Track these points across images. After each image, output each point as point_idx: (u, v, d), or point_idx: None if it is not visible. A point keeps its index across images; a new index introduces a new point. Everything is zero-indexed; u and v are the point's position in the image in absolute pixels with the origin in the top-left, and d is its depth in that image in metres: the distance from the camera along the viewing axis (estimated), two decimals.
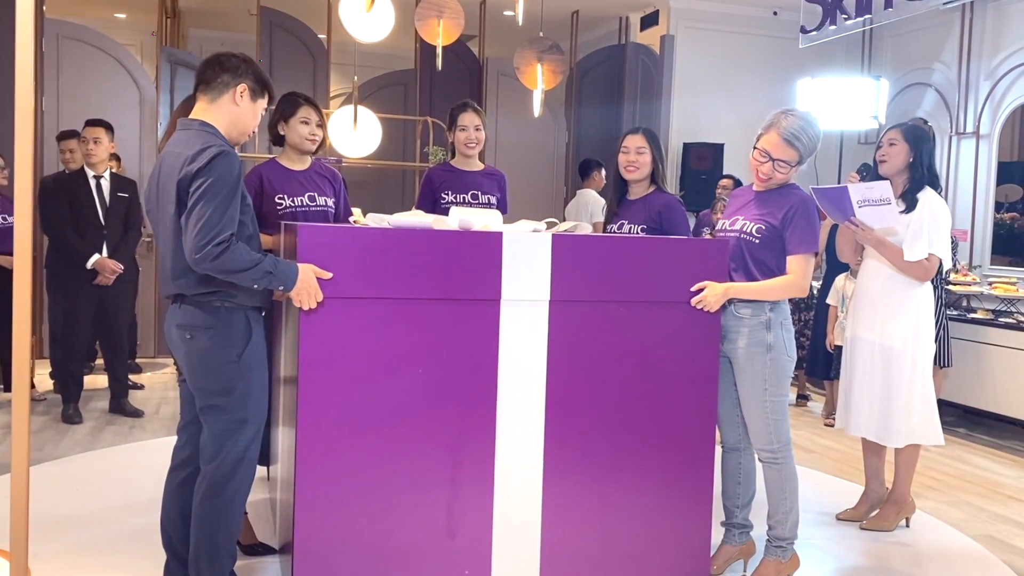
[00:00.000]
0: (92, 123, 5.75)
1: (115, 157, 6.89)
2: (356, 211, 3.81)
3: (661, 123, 8.51)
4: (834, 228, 4.13)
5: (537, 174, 9.16)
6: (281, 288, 2.69)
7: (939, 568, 3.74)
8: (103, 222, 5.70)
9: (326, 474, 2.81)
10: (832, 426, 6.00)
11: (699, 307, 3.11)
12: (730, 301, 3.22)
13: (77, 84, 7.73)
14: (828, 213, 3.79)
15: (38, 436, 5.23)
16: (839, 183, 8.74)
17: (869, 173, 4.06)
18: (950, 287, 6.37)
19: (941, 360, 5.39)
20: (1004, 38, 7.54)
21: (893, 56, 8.74)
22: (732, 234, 3.34)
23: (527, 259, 2.93)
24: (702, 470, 3.20)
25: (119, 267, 5.67)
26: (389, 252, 2.80)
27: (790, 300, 3.42)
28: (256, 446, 2.90)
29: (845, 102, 8.08)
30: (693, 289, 3.10)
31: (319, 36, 8.46)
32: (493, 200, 4.37)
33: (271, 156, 3.93)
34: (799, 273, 3.23)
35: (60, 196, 5.62)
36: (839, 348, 5.62)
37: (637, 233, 3.62)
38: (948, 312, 5.96)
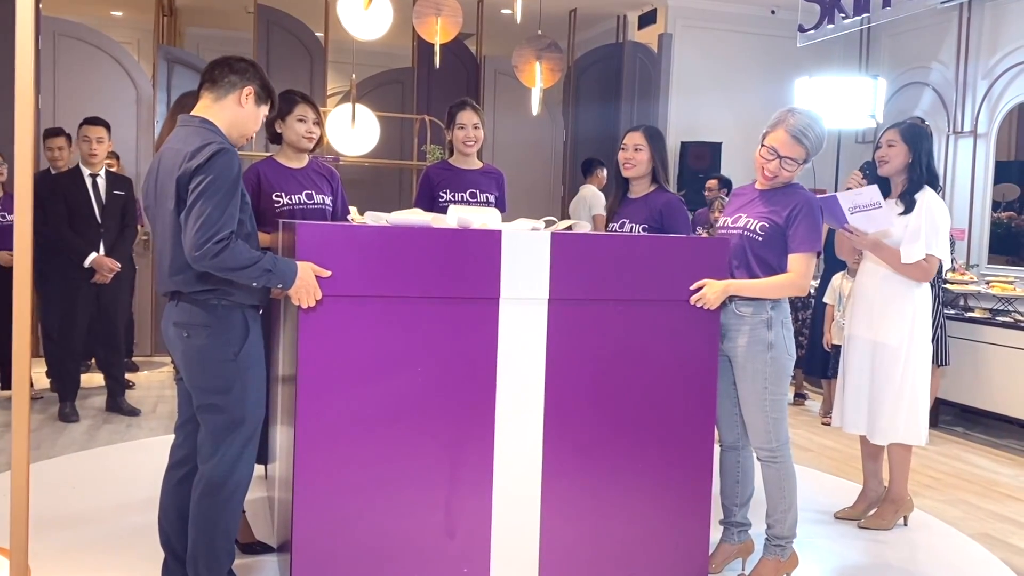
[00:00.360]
0: (93, 122, 5.72)
1: (114, 155, 6.89)
2: (352, 209, 3.80)
3: (659, 122, 8.51)
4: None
5: (534, 172, 9.16)
6: (280, 286, 2.69)
7: (937, 566, 3.74)
8: (100, 220, 5.69)
9: (325, 473, 2.80)
10: (830, 424, 6.00)
11: (698, 305, 3.11)
12: (731, 299, 3.21)
13: (74, 82, 7.72)
14: (827, 222, 3.82)
15: (35, 435, 5.22)
16: (837, 182, 8.78)
17: (871, 171, 4.05)
18: (947, 286, 6.38)
19: (939, 359, 5.40)
20: (1002, 37, 7.55)
21: (891, 55, 8.74)
22: (735, 231, 3.33)
23: (526, 257, 2.92)
24: (701, 469, 3.20)
25: (116, 265, 5.66)
26: (388, 250, 2.80)
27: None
28: (254, 445, 2.89)
29: (843, 101, 8.08)
30: (692, 288, 3.10)
31: (316, 34, 8.45)
32: (491, 198, 4.36)
33: (268, 154, 3.93)
34: (800, 272, 3.23)
35: (56, 195, 5.60)
36: (836, 347, 5.63)
37: (638, 232, 3.62)
38: (945, 311, 5.96)
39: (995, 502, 4.67)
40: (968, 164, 7.77)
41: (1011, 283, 6.57)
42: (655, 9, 9.04)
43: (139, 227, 6.42)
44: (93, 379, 6.62)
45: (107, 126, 5.76)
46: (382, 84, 8.92)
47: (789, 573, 3.41)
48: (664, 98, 8.71)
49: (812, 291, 6.37)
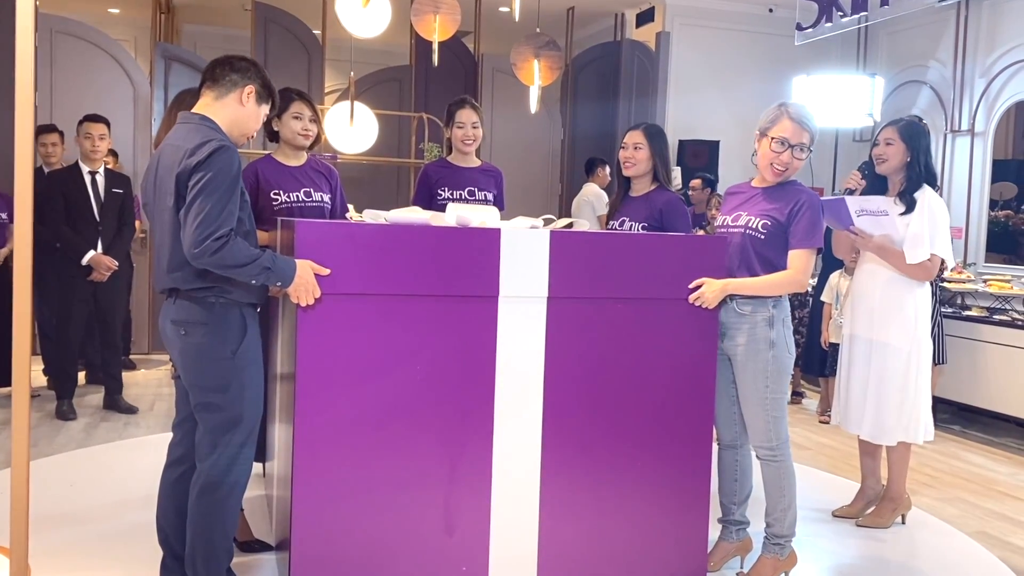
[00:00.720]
0: (94, 119, 5.71)
1: (112, 153, 6.88)
2: (350, 207, 3.80)
3: (656, 120, 8.50)
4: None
5: (532, 171, 9.16)
6: (279, 284, 2.69)
7: (934, 564, 3.75)
8: (98, 218, 5.68)
9: (323, 471, 2.80)
10: (827, 423, 6.01)
11: (697, 304, 3.11)
12: (731, 297, 3.21)
13: (71, 79, 7.70)
14: (828, 222, 3.82)
15: (32, 433, 5.20)
16: (835, 181, 8.78)
17: (870, 171, 4.05)
18: (945, 285, 6.38)
19: (936, 358, 5.40)
20: (999, 36, 7.56)
21: (888, 53, 8.74)
22: (735, 230, 3.33)
23: (525, 256, 2.92)
24: (699, 467, 3.20)
25: (114, 263, 5.65)
26: (387, 248, 2.79)
27: None
28: (252, 443, 2.89)
29: (840, 99, 8.08)
30: (691, 286, 3.11)
31: (314, 32, 8.44)
32: (490, 197, 4.36)
33: (267, 152, 3.92)
34: (799, 268, 3.23)
35: (54, 192, 5.59)
36: (834, 345, 5.63)
37: (638, 230, 3.62)
38: (943, 310, 5.97)
39: (992, 500, 4.67)
40: (966, 163, 7.77)
41: (1008, 282, 6.58)
42: (653, 7, 9.04)
43: (137, 224, 6.42)
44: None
45: (108, 123, 5.76)
46: (380, 82, 8.91)
47: (787, 571, 3.41)
48: (662, 96, 8.71)
49: (810, 289, 6.37)
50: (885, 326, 3.89)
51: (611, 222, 3.81)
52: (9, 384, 2.69)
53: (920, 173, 3.88)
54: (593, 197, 7.76)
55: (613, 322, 3.05)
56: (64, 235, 5.56)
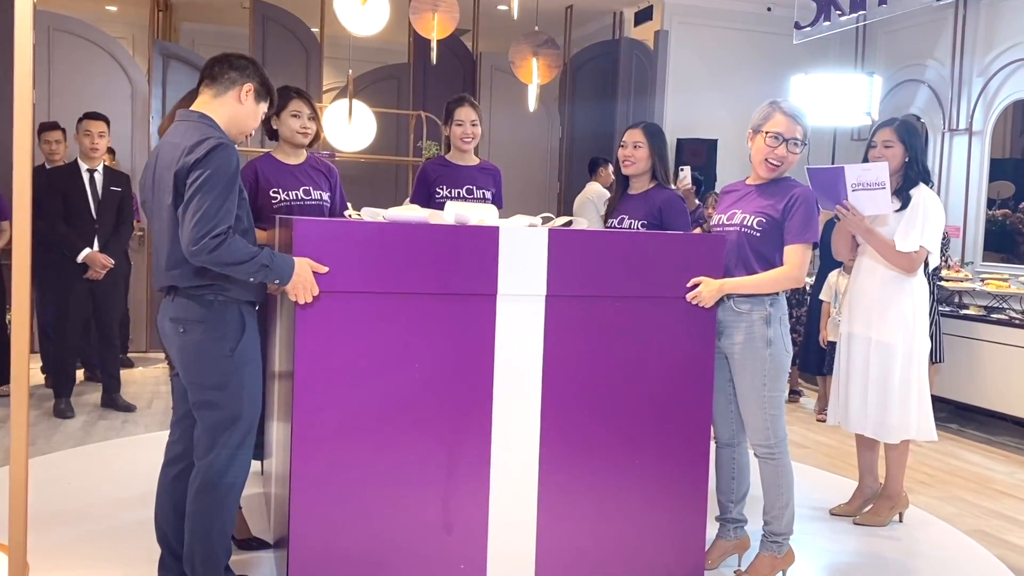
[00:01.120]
0: (94, 116, 5.70)
1: (110, 151, 6.87)
2: (347, 204, 3.79)
3: (655, 119, 8.51)
4: (829, 225, 4.12)
5: (531, 169, 9.16)
6: (277, 282, 2.69)
7: (932, 563, 3.76)
8: (95, 216, 5.67)
9: (321, 469, 2.80)
10: (824, 421, 6.01)
11: (694, 303, 3.11)
12: (728, 296, 3.22)
13: (68, 77, 7.70)
14: (818, 197, 3.72)
15: (30, 431, 5.20)
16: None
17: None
18: (942, 283, 6.39)
19: (933, 356, 5.41)
20: (997, 35, 7.57)
21: (887, 52, 8.75)
22: (731, 228, 3.33)
23: (523, 254, 2.92)
24: (697, 465, 3.20)
25: (109, 262, 5.64)
26: (385, 246, 2.80)
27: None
28: (250, 441, 2.88)
29: (839, 98, 8.10)
30: (688, 285, 3.11)
31: (312, 30, 8.44)
32: (488, 195, 4.36)
33: (265, 150, 3.92)
34: (795, 264, 3.23)
35: (52, 189, 5.59)
36: (832, 344, 5.64)
37: (637, 228, 3.62)
38: (940, 308, 5.98)
39: (990, 499, 4.68)
40: (963, 161, 7.78)
41: (1006, 280, 6.58)
42: (651, 6, 9.04)
43: (136, 223, 6.42)
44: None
45: (107, 121, 5.75)
46: (378, 80, 8.91)
47: (785, 570, 3.42)
48: (660, 95, 8.71)
49: (808, 288, 6.38)
50: (884, 324, 3.89)
51: (610, 220, 3.81)
52: (7, 382, 2.69)
53: (918, 172, 3.89)
54: (595, 196, 7.76)
55: (611, 320, 3.05)
56: (61, 232, 5.55)
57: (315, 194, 3.76)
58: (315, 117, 3.78)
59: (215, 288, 2.75)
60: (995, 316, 6.17)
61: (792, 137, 3.27)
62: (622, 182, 3.82)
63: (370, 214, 3.09)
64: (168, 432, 3.07)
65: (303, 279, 2.69)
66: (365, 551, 2.86)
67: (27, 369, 2.56)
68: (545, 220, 3.25)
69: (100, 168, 5.73)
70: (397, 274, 2.81)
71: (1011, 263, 7.39)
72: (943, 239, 6.10)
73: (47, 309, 5.82)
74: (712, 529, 3.46)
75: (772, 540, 3.38)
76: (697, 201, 7.21)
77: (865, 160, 4.00)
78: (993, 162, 7.66)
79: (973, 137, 7.71)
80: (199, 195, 2.59)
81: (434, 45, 6.40)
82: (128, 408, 5.82)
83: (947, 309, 6.35)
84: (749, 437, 3.36)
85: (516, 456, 2.99)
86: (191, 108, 2.82)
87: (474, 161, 4.47)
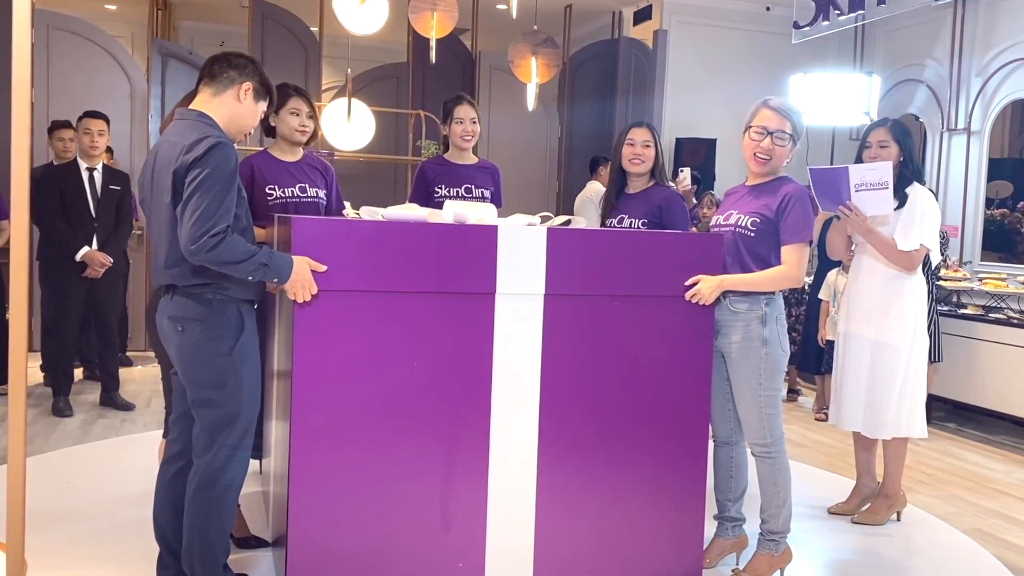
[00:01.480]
0: (93, 115, 5.70)
1: (108, 150, 6.87)
2: (346, 204, 3.80)
3: (653, 118, 8.50)
4: (826, 225, 4.13)
5: (530, 168, 9.16)
6: (275, 280, 2.69)
7: (929, 561, 3.76)
8: (94, 215, 5.67)
9: (320, 467, 2.80)
10: (824, 420, 6.03)
11: (693, 300, 3.12)
12: (725, 295, 3.22)
13: (67, 76, 7.69)
14: (820, 198, 3.70)
15: (28, 429, 5.20)
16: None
17: None
18: (941, 283, 6.40)
19: (932, 355, 5.41)
20: (996, 35, 7.57)
21: (885, 52, 8.76)
22: (727, 229, 3.34)
23: (522, 253, 2.93)
24: (695, 464, 3.21)
25: (108, 260, 5.64)
26: (384, 245, 2.80)
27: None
28: (249, 439, 2.89)
29: (837, 98, 8.09)
30: (687, 283, 3.11)
31: (311, 29, 8.44)
32: (487, 194, 4.36)
33: (263, 148, 3.92)
34: (793, 263, 3.23)
35: (51, 187, 5.59)
36: (830, 343, 5.64)
37: (637, 227, 3.63)
38: (939, 308, 5.99)
39: (987, 498, 4.69)
40: (962, 161, 7.79)
41: (1004, 280, 6.59)
42: (651, 5, 9.04)
43: (135, 222, 6.42)
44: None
45: (107, 120, 5.76)
46: (377, 79, 8.91)
47: (783, 568, 3.42)
48: (659, 94, 8.71)
49: (806, 287, 6.38)
50: (884, 323, 3.90)
51: (609, 219, 3.81)
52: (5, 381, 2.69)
53: (912, 171, 3.91)
54: (595, 195, 7.76)
55: (610, 319, 3.05)
56: (59, 230, 5.55)
57: (311, 191, 3.77)
58: (313, 115, 3.79)
59: (214, 287, 2.75)
60: (993, 316, 6.18)
61: (778, 130, 3.28)
62: (619, 181, 3.82)
63: (369, 213, 3.10)
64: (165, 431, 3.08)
65: (302, 278, 2.69)
66: (363, 550, 2.87)
67: (25, 367, 2.56)
68: (544, 219, 3.25)
69: (99, 167, 5.74)
70: (396, 273, 2.81)
71: (1009, 263, 7.40)
72: (942, 238, 6.11)
73: (45, 307, 5.82)
74: (710, 528, 3.47)
75: (769, 539, 3.38)
76: (694, 200, 7.24)
77: (859, 160, 4.00)
78: (991, 162, 7.66)
79: (972, 137, 7.72)
80: (198, 194, 2.59)
81: (433, 44, 6.40)
82: (127, 407, 5.82)
83: (945, 308, 6.36)
84: (746, 436, 3.37)
85: (514, 454, 3.00)
86: (190, 107, 2.82)
87: (473, 160, 4.47)
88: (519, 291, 2.94)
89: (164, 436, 3.19)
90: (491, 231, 2.91)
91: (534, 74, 7.27)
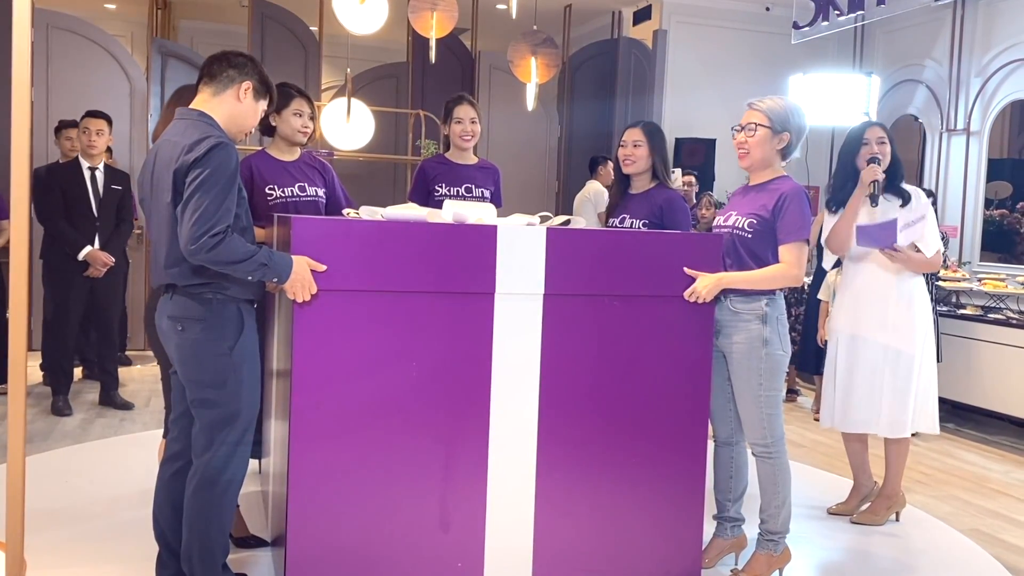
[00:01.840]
0: (94, 115, 5.70)
1: (107, 149, 6.87)
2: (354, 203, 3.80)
3: (653, 118, 8.50)
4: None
5: (529, 168, 9.16)
6: (275, 280, 2.69)
7: (928, 561, 3.77)
8: (96, 214, 5.67)
9: (319, 467, 2.81)
10: None
11: (692, 299, 3.12)
12: (725, 295, 3.22)
13: (67, 75, 7.68)
14: (867, 244, 3.88)
15: (28, 428, 5.21)
16: (831, 175, 8.78)
17: (855, 170, 4.04)
18: (940, 283, 6.40)
19: None
20: (995, 35, 7.57)
21: (885, 52, 8.76)
22: (725, 230, 3.35)
23: (521, 253, 2.93)
24: (694, 463, 3.21)
25: (110, 260, 5.65)
26: (383, 245, 2.80)
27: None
28: (248, 439, 2.89)
29: (837, 98, 8.10)
30: (686, 273, 3.11)
31: (311, 28, 8.44)
32: (487, 193, 4.36)
33: (261, 148, 3.92)
34: (792, 262, 3.23)
35: (53, 186, 5.59)
36: None
37: (639, 227, 3.62)
38: (938, 308, 5.99)
39: (986, 498, 4.69)
40: (961, 161, 7.79)
41: (1003, 280, 6.59)
42: (650, 5, 9.05)
43: (135, 221, 6.41)
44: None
45: (108, 119, 5.76)
46: (377, 79, 8.91)
47: (782, 568, 3.42)
48: (659, 94, 8.71)
49: (806, 287, 6.38)
50: (900, 325, 3.93)
51: (611, 220, 3.81)
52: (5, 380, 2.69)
53: (900, 166, 4.03)
54: (594, 195, 7.77)
55: (609, 319, 3.05)
56: (61, 230, 5.56)
57: (310, 190, 3.77)
58: (314, 116, 3.79)
59: (214, 286, 2.75)
60: (992, 316, 6.18)
61: (748, 123, 3.32)
62: (622, 181, 3.82)
63: (368, 212, 3.10)
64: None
65: (301, 277, 2.69)
66: (363, 549, 2.87)
67: (24, 366, 2.56)
68: (543, 219, 3.26)
69: (101, 166, 5.74)
70: (395, 273, 2.81)
71: (1008, 263, 7.40)
72: (941, 237, 6.12)
73: (45, 306, 5.81)
74: (709, 528, 3.47)
75: (768, 539, 3.38)
76: (693, 200, 7.25)
77: (856, 156, 4.04)
78: (991, 162, 7.67)
79: (971, 137, 7.72)
80: (198, 194, 2.59)
81: (433, 44, 6.40)
82: (126, 406, 5.82)
83: (944, 309, 6.36)
84: (746, 436, 3.37)
85: (514, 454, 3.00)
86: (190, 106, 2.82)
87: (473, 160, 4.47)
88: (518, 291, 2.94)
89: (164, 436, 3.19)
90: (491, 231, 2.91)
91: (534, 74, 7.27)
